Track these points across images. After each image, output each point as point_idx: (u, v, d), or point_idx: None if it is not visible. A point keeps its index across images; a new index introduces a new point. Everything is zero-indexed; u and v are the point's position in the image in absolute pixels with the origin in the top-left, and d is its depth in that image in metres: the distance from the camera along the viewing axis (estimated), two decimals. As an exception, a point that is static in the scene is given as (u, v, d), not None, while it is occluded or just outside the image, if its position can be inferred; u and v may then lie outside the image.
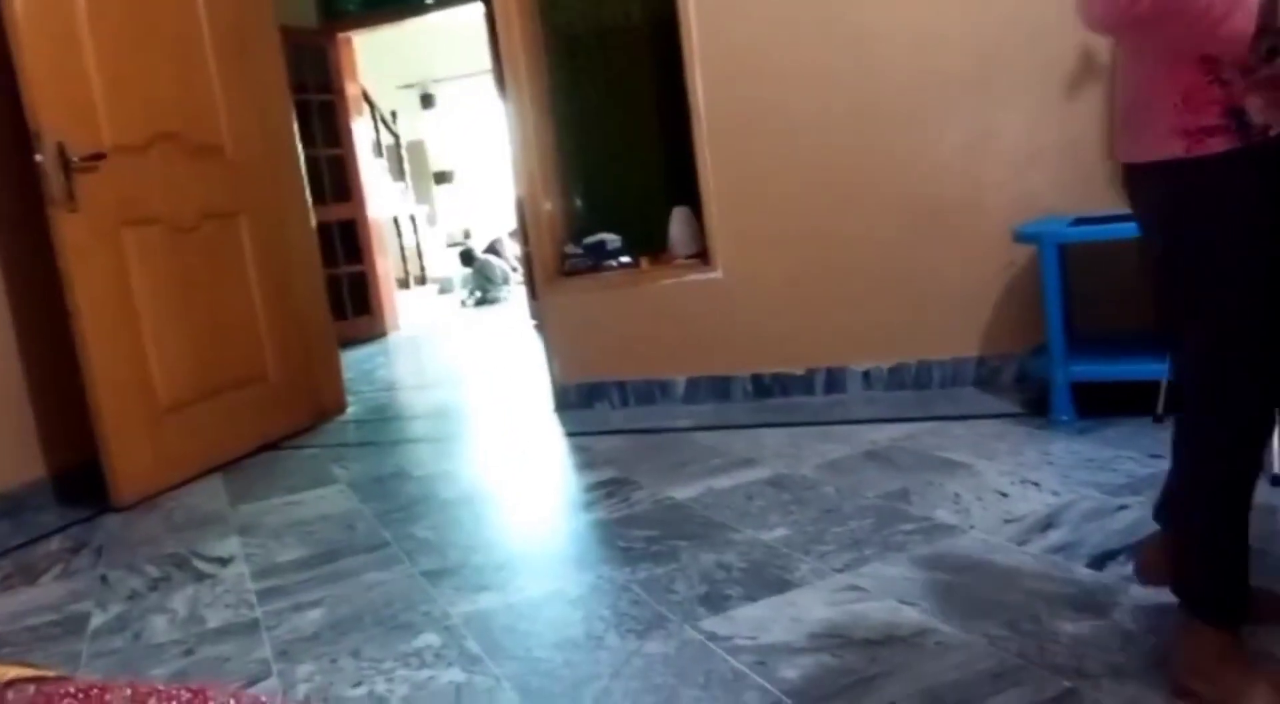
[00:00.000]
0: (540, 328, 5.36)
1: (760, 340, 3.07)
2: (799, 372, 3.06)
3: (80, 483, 2.84)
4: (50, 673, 0.91)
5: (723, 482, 2.33)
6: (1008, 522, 1.86)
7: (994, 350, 2.88)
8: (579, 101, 3.47)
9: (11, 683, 0.85)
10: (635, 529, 2.08)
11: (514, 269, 7.98)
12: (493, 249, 8.24)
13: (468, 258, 8.01)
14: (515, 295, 7.54)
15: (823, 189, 2.95)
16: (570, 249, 3.37)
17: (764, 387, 3.10)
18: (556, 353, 3.34)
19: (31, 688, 0.85)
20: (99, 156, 2.72)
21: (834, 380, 3.03)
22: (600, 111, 3.47)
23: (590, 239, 3.36)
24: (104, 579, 2.18)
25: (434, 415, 3.69)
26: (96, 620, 1.94)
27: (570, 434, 3.05)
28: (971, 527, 1.86)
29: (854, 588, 1.65)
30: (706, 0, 2.96)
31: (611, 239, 3.34)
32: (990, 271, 2.84)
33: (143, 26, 2.97)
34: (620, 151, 3.47)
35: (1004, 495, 2.01)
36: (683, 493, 2.28)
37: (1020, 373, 2.84)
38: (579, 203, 3.54)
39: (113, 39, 2.84)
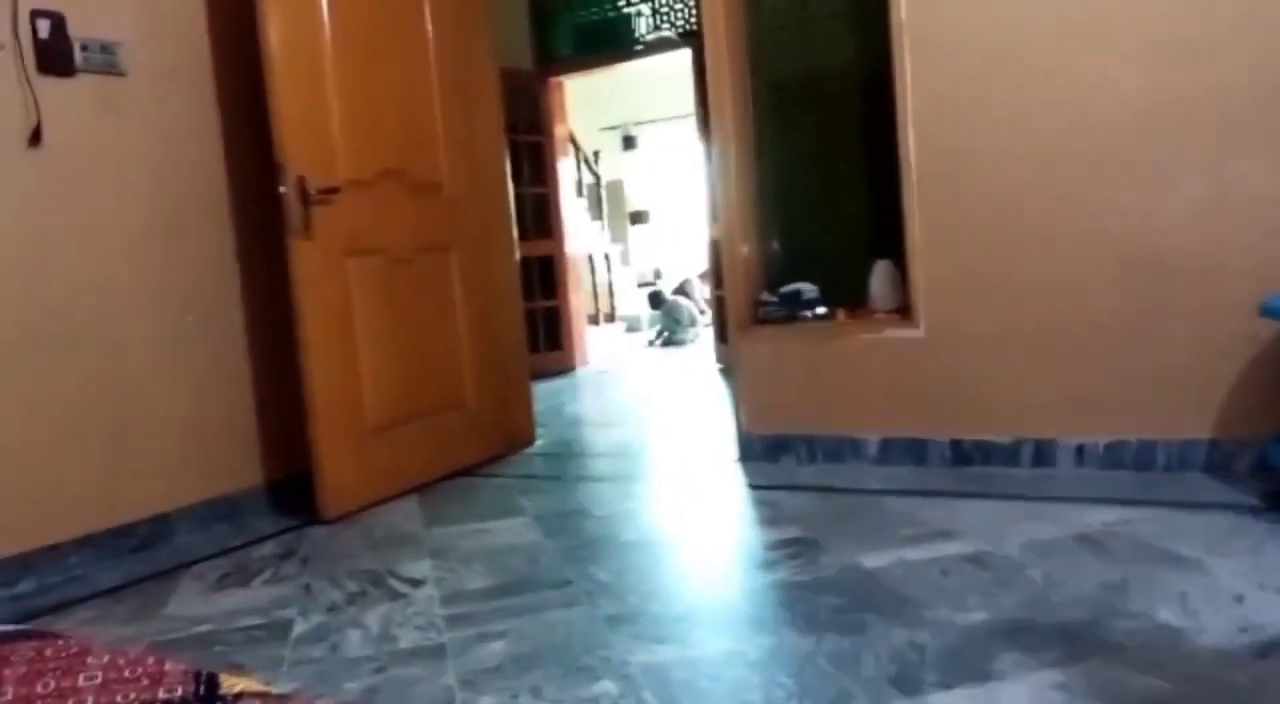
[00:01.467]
0: (727, 373, 5.39)
1: (962, 404, 2.92)
2: (1004, 440, 2.88)
3: (291, 493, 3.04)
4: (274, 690, 0.95)
5: (916, 553, 2.21)
6: (1243, 630, 1.66)
7: (1229, 433, 2.61)
8: (784, 147, 3.46)
9: (240, 695, 0.90)
10: (820, 595, 2.00)
11: (702, 312, 8.02)
12: (682, 290, 8.32)
13: (657, 300, 8.13)
14: (702, 338, 7.57)
15: (1037, 245, 2.78)
16: (765, 297, 3.34)
17: (964, 453, 2.94)
18: (744, 402, 3.30)
19: (258, 702, 0.90)
20: (334, 190, 2.93)
21: (1043, 453, 2.83)
22: (805, 158, 3.44)
23: (786, 288, 3.31)
24: (308, 588, 2.31)
25: (617, 454, 3.73)
26: (299, 628, 2.05)
27: (754, 486, 3.00)
28: (1201, 632, 1.67)
29: (1062, 688, 1.51)
30: (920, 48, 2.87)
31: (808, 289, 3.28)
32: (1228, 344, 2.58)
33: (378, 69, 3.19)
34: (823, 199, 3.42)
35: (1239, 600, 1.80)
36: (872, 561, 2.18)
37: (1260, 461, 2.56)
38: (777, 249, 3.51)
39: (352, 81, 3.06)
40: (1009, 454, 2.87)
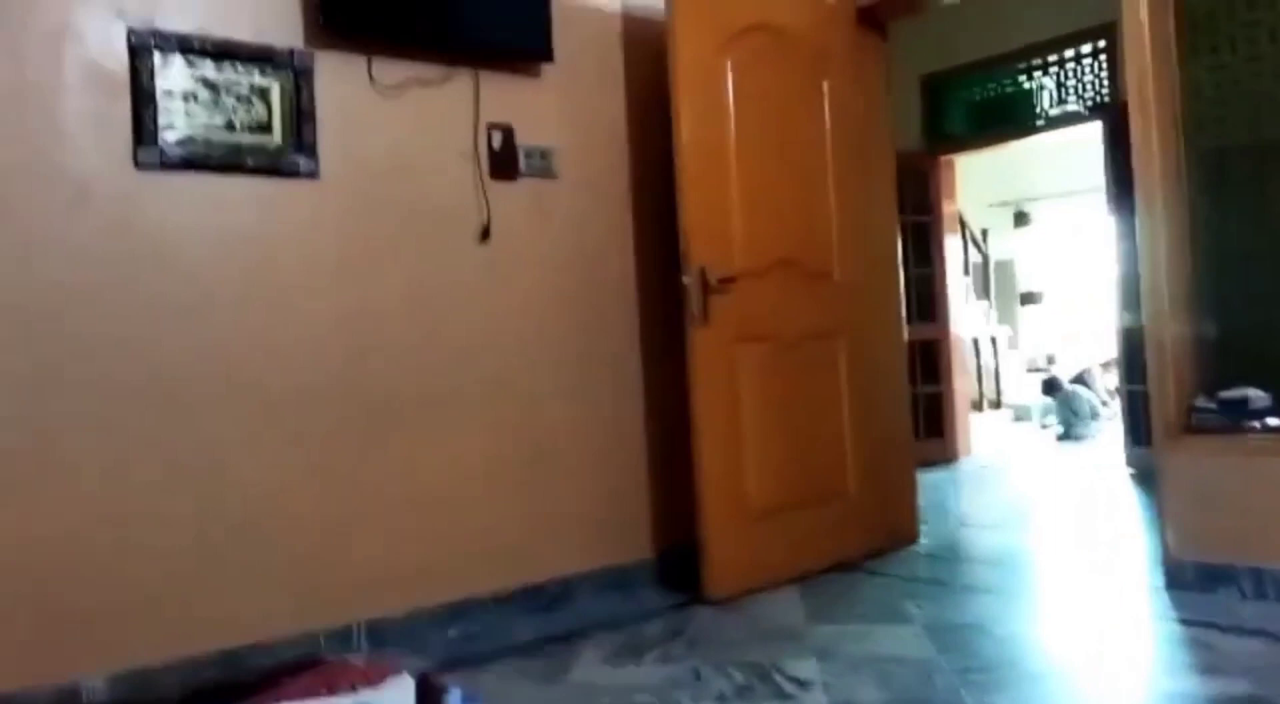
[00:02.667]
0: (1141, 480, 4.78)
1: None
2: None
3: (678, 568, 3.12)
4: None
5: None
6: None
7: None
8: (1222, 227, 3.03)
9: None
10: (1293, 777, 1.65)
11: (1104, 404, 7.25)
12: (1080, 380, 7.57)
13: (1052, 387, 7.45)
14: (1105, 434, 6.81)
15: None
16: (1201, 402, 2.91)
17: None
18: (1172, 521, 2.88)
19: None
20: (731, 280, 3.03)
21: None
22: (1253, 239, 2.98)
23: (1229, 393, 2.86)
24: (697, 674, 2.33)
25: (1010, 563, 3.42)
26: (687, 716, 2.07)
27: (1184, 622, 2.58)
28: None
29: None
30: None
31: (1257, 396, 2.82)
32: None
33: (776, 161, 3.27)
34: (1273, 288, 2.94)
35: None
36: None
37: None
38: (1211, 343, 3.06)
39: (752, 174, 3.17)
40: None
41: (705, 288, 2.98)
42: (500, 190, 2.95)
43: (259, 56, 2.51)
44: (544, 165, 3.05)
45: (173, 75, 2.38)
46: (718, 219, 3.07)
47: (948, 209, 6.17)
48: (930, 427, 6.02)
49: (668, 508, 3.23)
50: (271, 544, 2.49)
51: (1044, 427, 7.51)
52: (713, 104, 3.09)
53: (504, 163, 2.97)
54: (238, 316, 2.47)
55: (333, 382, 2.61)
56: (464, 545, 2.81)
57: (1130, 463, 5.12)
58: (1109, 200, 5.13)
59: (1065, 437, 7.04)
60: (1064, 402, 7.15)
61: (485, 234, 2.91)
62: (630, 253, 3.25)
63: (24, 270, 2.20)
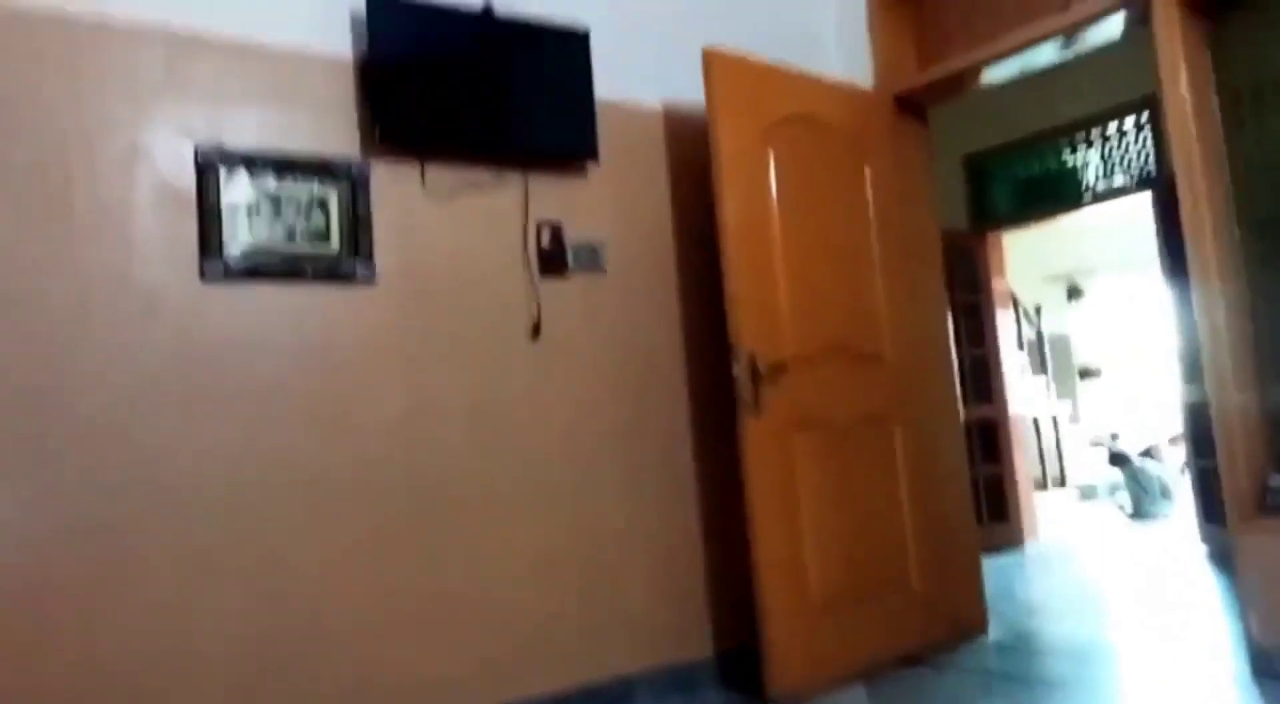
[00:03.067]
0: (1218, 560, 4.58)
1: None
2: None
3: (739, 667, 3.04)
4: None
5: None
6: None
7: None
8: (1281, 297, 2.97)
9: None
10: None
11: (1173, 481, 7.00)
12: (1148, 455, 7.34)
13: (1119, 460, 7.18)
14: (1177, 511, 6.57)
15: None
16: (1275, 481, 2.81)
17: None
18: (1254, 606, 2.75)
19: None
20: (781, 367, 3.02)
21: None
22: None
23: (1305, 469, 2.76)
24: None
25: (1087, 653, 3.27)
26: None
27: (1277, 714, 2.45)
28: None
29: None
30: None
31: (1336, 471, 2.71)
32: None
33: (822, 246, 3.29)
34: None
35: None
36: None
37: None
38: (1283, 419, 2.97)
39: (798, 260, 3.19)
40: None
41: (755, 376, 2.98)
42: (550, 286, 3.00)
43: (318, 168, 2.62)
44: (592, 260, 3.11)
45: (237, 189, 2.50)
46: (765, 307, 3.08)
47: (998, 286, 6.12)
48: (993, 509, 5.86)
49: (727, 603, 3.17)
50: (327, 640, 2.49)
51: (1114, 504, 7.26)
52: (756, 193, 3.13)
53: (553, 260, 3.03)
54: (298, 418, 2.53)
55: (388, 479, 2.64)
56: (520, 644, 2.78)
57: (1205, 541, 4.93)
58: (1163, 271, 5.06)
59: (1136, 515, 6.80)
60: (1132, 477, 6.92)
61: (536, 331, 2.95)
62: (679, 342, 3.27)
63: (99, 380, 2.29)
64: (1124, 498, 7.00)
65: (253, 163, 2.52)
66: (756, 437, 2.96)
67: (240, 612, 2.38)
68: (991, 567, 4.93)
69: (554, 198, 3.04)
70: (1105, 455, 7.54)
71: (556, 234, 3.05)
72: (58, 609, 2.18)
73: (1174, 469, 7.18)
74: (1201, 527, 4.98)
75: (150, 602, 2.28)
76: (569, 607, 2.88)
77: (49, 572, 2.19)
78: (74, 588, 2.21)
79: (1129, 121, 5.30)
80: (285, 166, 2.57)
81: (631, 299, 3.19)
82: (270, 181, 2.55)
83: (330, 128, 2.68)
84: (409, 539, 2.65)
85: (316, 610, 2.48)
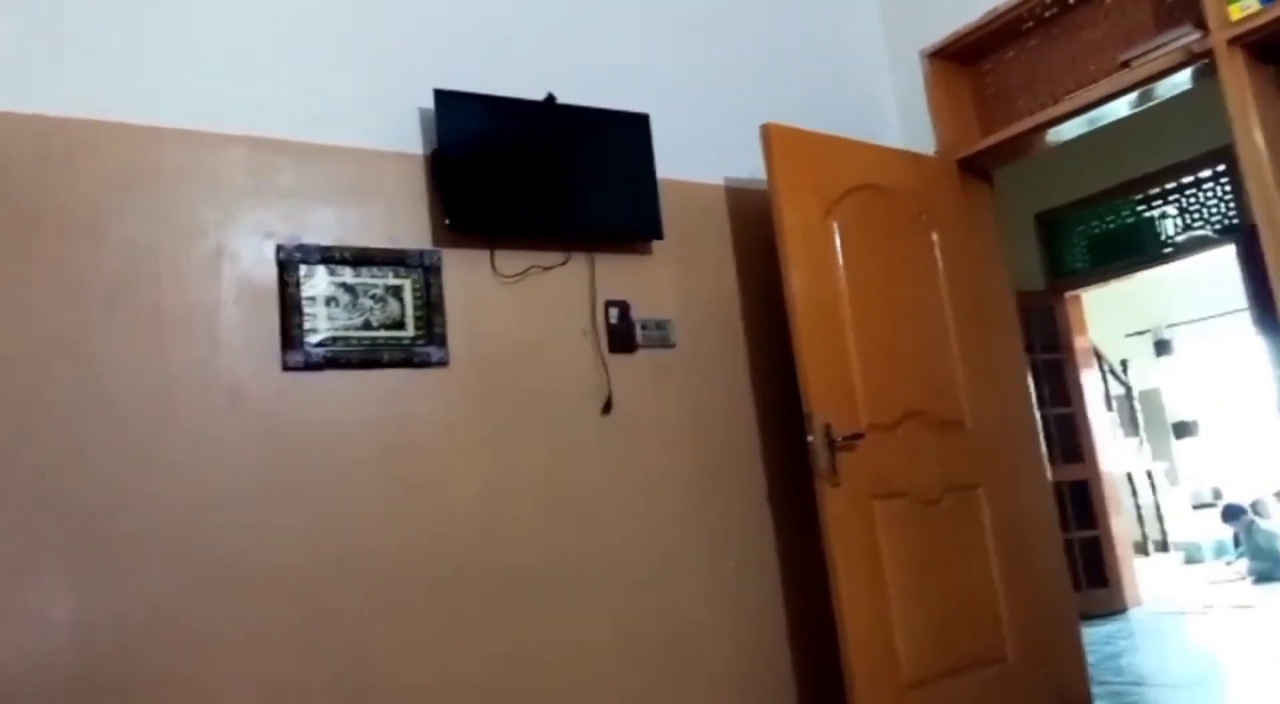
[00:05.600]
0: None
1: None
2: None
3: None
4: None
5: None
6: None
7: None
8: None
9: None
10: None
11: (1287, 538, 6.61)
12: (1256, 511, 6.95)
13: (1232, 514, 6.76)
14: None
15: None
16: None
17: None
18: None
19: None
20: (858, 436, 2.97)
21: None
22: None
23: None
24: None
25: (1203, 727, 3.08)
26: None
27: None
28: None
29: None
30: None
31: None
32: None
33: (893, 312, 3.26)
34: None
35: None
36: None
37: None
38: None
39: (869, 328, 3.16)
40: None
41: (831, 445, 2.93)
42: (620, 363, 3.02)
43: (392, 258, 2.71)
44: (660, 336, 3.13)
45: (315, 283, 2.59)
46: (837, 375, 3.05)
47: (1079, 344, 5.97)
48: (1092, 575, 5.61)
49: (814, 683, 3.07)
50: (409, 731, 2.48)
51: (1224, 566, 6.85)
52: (821, 264, 3.13)
53: (622, 337, 3.06)
54: (376, 502, 2.56)
55: (463, 560, 2.65)
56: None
57: (1327, 606, 4.62)
58: (1254, 321, 4.87)
59: (1259, 578, 6.34)
60: (1247, 529, 6.50)
61: (608, 407, 2.96)
62: (752, 414, 3.24)
63: (186, 473, 2.36)
64: (1241, 563, 6.58)
65: (330, 257, 2.62)
66: (835, 506, 2.90)
67: (321, 698, 2.39)
68: (1093, 635, 4.72)
69: (620, 275, 3.09)
70: (1211, 514, 7.15)
71: (624, 311, 3.08)
72: (142, 697, 2.22)
73: (1285, 526, 6.78)
74: (1321, 589, 4.68)
75: (232, 689, 2.31)
76: (647, 688, 2.82)
77: (137, 659, 2.23)
78: (159, 675, 2.24)
79: (1206, 172, 5.18)
80: (361, 258, 2.67)
81: (701, 373, 3.18)
82: (347, 273, 2.64)
83: (402, 218, 2.77)
84: (486, 624, 2.63)
85: (395, 695, 2.48)
